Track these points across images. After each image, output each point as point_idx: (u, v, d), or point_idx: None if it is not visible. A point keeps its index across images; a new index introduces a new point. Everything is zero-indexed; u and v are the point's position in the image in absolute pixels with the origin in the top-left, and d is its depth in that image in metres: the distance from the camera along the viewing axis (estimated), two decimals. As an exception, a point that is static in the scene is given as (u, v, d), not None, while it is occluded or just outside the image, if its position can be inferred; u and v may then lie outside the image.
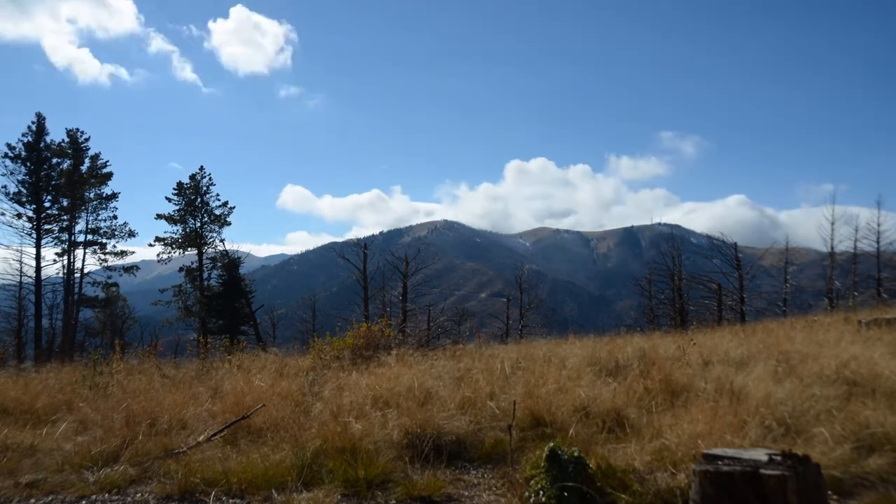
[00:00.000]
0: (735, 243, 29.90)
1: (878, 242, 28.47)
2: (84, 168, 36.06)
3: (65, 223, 35.44)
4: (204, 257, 36.74)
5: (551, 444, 4.46)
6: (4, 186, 34.00)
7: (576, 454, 4.39)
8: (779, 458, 3.42)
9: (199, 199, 37.25)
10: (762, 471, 3.29)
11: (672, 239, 32.73)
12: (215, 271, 36.31)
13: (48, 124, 35.43)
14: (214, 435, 6.04)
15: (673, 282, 31.06)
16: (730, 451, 3.67)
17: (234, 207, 37.48)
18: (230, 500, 4.76)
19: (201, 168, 37.52)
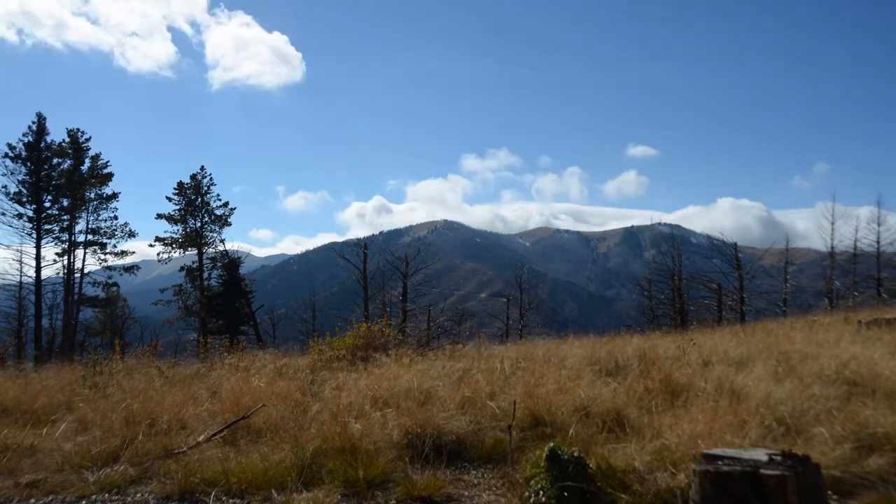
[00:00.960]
0: (735, 243, 29.93)
1: (878, 242, 28.48)
2: (84, 168, 36.09)
3: (65, 223, 35.45)
4: (204, 257, 36.75)
5: (551, 444, 4.46)
6: (5, 186, 34.05)
7: (576, 454, 4.39)
8: (779, 458, 3.42)
9: (199, 199, 37.27)
10: (762, 471, 3.29)
11: (672, 239, 32.77)
12: (215, 271, 36.34)
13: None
14: (214, 435, 6.04)
15: (673, 282, 31.07)
16: (730, 451, 3.67)
17: (234, 208, 37.55)
18: (230, 500, 4.76)
19: (202, 168, 37.62)
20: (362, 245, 33.20)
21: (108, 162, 36.90)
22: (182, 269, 36.93)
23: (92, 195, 36.37)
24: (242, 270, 36.76)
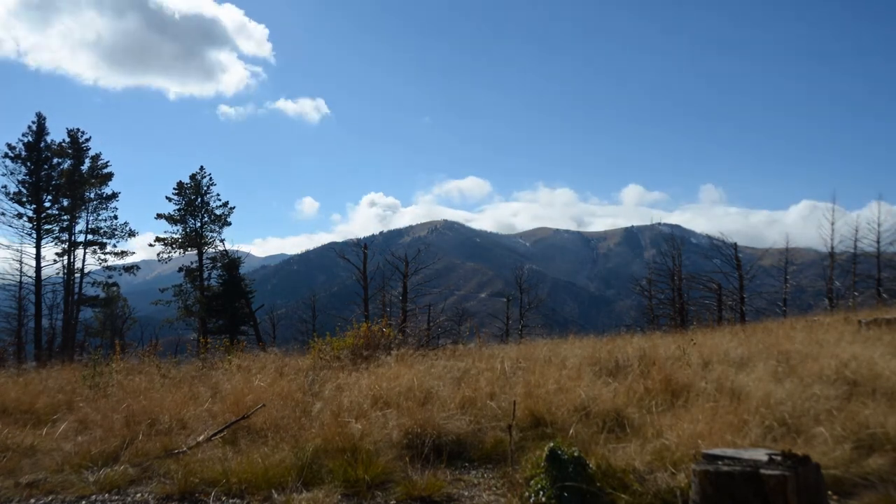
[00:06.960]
0: (735, 243, 29.92)
1: (878, 242, 28.44)
2: (84, 168, 36.09)
3: (65, 223, 35.44)
4: (204, 257, 36.76)
5: (551, 444, 4.46)
6: (4, 186, 34.01)
7: (576, 454, 4.39)
8: (779, 458, 3.42)
9: (199, 199, 37.28)
10: (762, 471, 3.30)
11: (672, 239, 32.76)
12: (215, 271, 36.35)
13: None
14: (214, 435, 6.04)
15: (673, 282, 31.07)
16: (730, 451, 3.68)
17: (234, 208, 37.57)
18: (230, 500, 4.76)
19: (202, 168, 37.63)
20: (362, 245, 33.22)
21: (108, 162, 36.98)
22: (182, 269, 36.94)
23: (92, 195, 36.39)
24: (242, 270, 36.77)
